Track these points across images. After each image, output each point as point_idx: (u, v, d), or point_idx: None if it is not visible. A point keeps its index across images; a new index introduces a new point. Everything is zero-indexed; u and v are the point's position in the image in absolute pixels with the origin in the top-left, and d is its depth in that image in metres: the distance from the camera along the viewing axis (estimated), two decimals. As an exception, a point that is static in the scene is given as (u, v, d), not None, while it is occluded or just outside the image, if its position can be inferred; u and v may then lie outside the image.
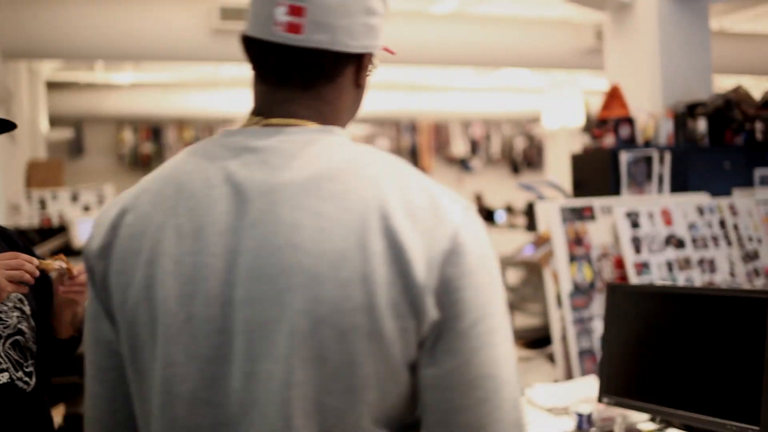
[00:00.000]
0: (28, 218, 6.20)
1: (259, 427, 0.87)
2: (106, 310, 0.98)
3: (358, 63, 0.99)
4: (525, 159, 13.04)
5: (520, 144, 12.94)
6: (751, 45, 8.08)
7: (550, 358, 3.55)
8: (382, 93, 11.17)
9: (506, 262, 4.81)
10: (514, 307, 4.78)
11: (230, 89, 10.27)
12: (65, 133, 10.63)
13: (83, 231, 4.80)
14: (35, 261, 1.55)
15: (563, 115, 9.94)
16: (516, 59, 7.54)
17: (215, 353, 0.89)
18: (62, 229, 5.11)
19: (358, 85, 1.02)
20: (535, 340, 4.08)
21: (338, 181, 0.89)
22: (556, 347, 3.30)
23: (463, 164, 12.95)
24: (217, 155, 0.95)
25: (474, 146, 12.79)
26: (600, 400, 2.05)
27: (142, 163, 11.04)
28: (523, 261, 4.17)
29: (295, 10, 0.93)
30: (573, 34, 7.20)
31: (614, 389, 2.01)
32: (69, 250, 4.76)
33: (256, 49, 0.98)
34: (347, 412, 0.86)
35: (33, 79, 8.49)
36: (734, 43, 7.88)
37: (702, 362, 1.78)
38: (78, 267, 1.60)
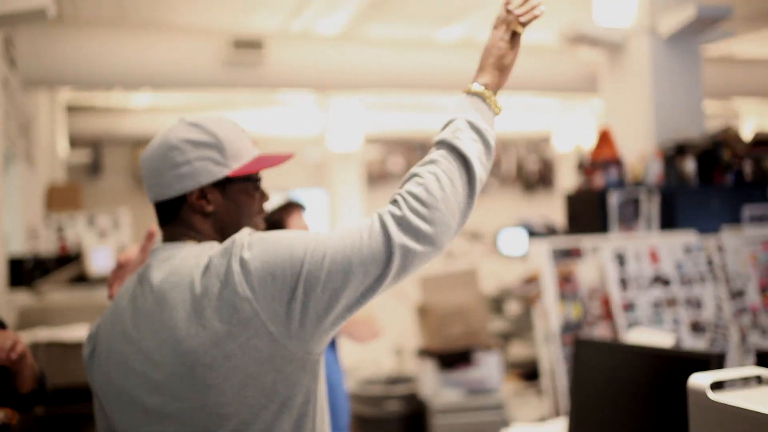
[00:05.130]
0: (45, 243, 6.40)
1: None
2: None
3: (186, 200, 1.37)
4: (539, 179, 13.13)
5: (533, 164, 13.03)
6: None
7: (540, 392, 3.67)
8: (394, 113, 11.32)
9: (506, 294, 4.93)
10: (513, 336, 4.90)
11: (244, 110, 10.49)
12: (84, 155, 10.89)
13: (97, 260, 4.97)
14: None
15: (575, 136, 10.05)
16: (520, 84, 7.66)
17: None
18: (78, 256, 5.30)
19: (205, 212, 1.38)
20: (531, 371, 4.18)
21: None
22: (545, 383, 3.42)
23: (475, 183, 13.06)
24: None
25: (486, 165, 12.89)
26: (566, 447, 2.17)
27: (158, 183, 11.24)
28: (520, 295, 4.29)
29: None
30: (577, 60, 7.32)
31: (579, 438, 2.14)
32: (83, 278, 4.94)
33: None
34: None
35: (53, 103, 8.74)
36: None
37: (653, 416, 1.90)
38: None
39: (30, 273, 4.76)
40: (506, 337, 4.95)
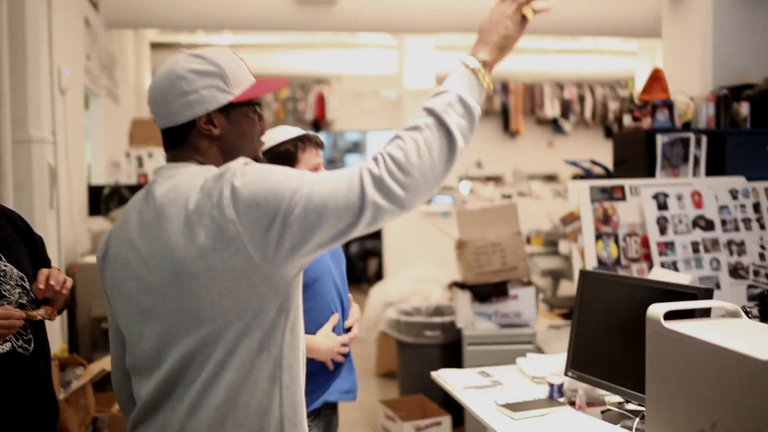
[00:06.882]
0: (126, 175, 6.80)
1: None
2: None
3: (195, 125, 1.51)
4: (618, 122, 12.85)
5: (613, 107, 12.75)
6: None
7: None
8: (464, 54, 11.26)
9: (556, 233, 4.99)
10: (563, 275, 4.97)
11: (322, 50, 10.65)
12: (169, 92, 11.29)
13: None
14: (21, 314, 1.89)
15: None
16: (597, 27, 7.53)
17: None
18: (154, 186, 5.63)
19: (212, 136, 1.52)
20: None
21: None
22: (580, 319, 3.51)
23: (554, 126, 12.91)
24: None
25: (566, 108, 12.71)
26: (566, 373, 2.29)
27: (240, 120, 11.61)
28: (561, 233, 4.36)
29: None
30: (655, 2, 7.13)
31: (578, 365, 2.26)
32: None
33: None
34: None
35: (138, 41, 9.09)
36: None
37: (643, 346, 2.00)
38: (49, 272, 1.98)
39: (107, 201, 5.10)
40: (558, 275, 5.03)
